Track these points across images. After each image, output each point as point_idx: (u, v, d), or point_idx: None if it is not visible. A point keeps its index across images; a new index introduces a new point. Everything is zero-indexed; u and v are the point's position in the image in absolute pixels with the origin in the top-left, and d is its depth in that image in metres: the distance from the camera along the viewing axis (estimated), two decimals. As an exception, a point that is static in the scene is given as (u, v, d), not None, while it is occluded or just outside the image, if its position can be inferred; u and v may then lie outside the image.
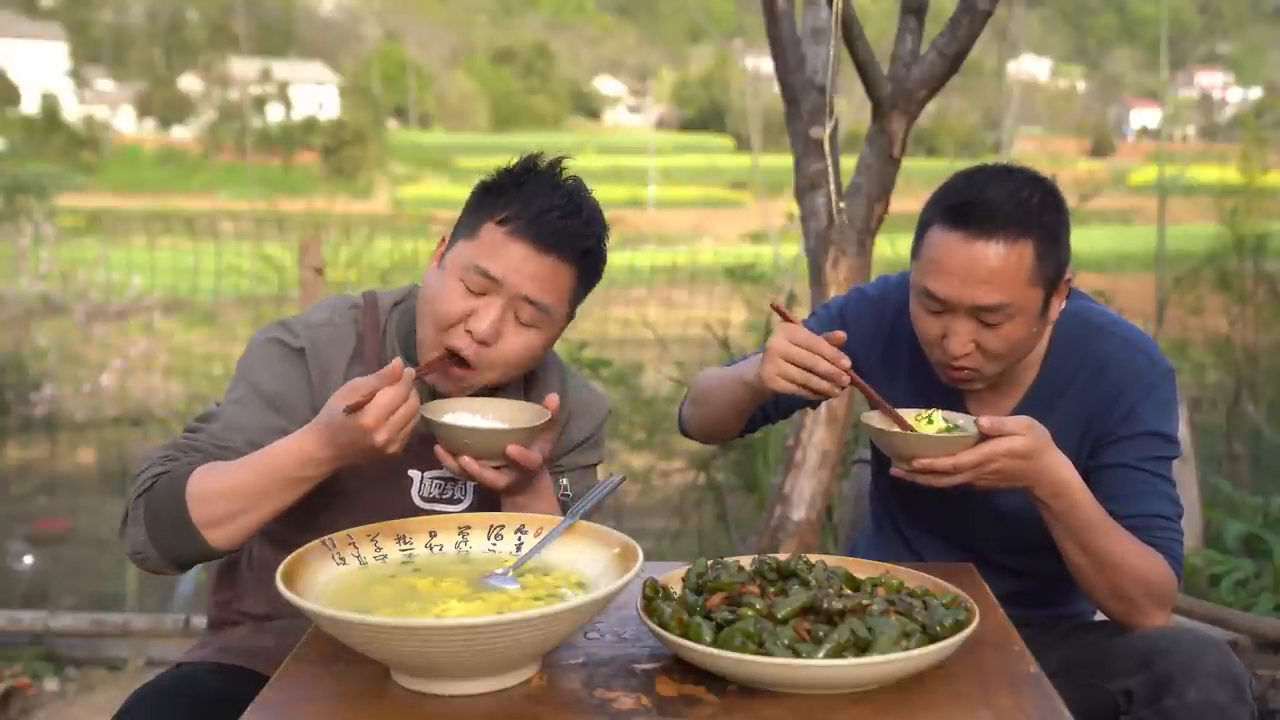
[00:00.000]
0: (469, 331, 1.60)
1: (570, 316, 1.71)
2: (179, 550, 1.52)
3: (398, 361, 1.46)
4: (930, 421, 1.64)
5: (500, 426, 1.58)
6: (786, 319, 1.66)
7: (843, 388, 1.63)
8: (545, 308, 1.62)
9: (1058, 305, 1.71)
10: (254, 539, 1.79)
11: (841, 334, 1.64)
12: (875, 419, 1.65)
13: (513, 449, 1.54)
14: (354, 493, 1.67)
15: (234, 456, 1.56)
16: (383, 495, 1.68)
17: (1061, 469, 1.57)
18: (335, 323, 1.70)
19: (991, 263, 1.61)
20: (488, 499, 1.71)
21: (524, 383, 1.78)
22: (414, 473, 1.70)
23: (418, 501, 1.71)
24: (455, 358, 1.62)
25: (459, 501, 1.73)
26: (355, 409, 1.42)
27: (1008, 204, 1.62)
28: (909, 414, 1.67)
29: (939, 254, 1.64)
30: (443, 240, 1.70)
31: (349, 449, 1.47)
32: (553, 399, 1.60)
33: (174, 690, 1.55)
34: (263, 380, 1.65)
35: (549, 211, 1.59)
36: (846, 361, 1.61)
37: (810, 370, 1.61)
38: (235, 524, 1.51)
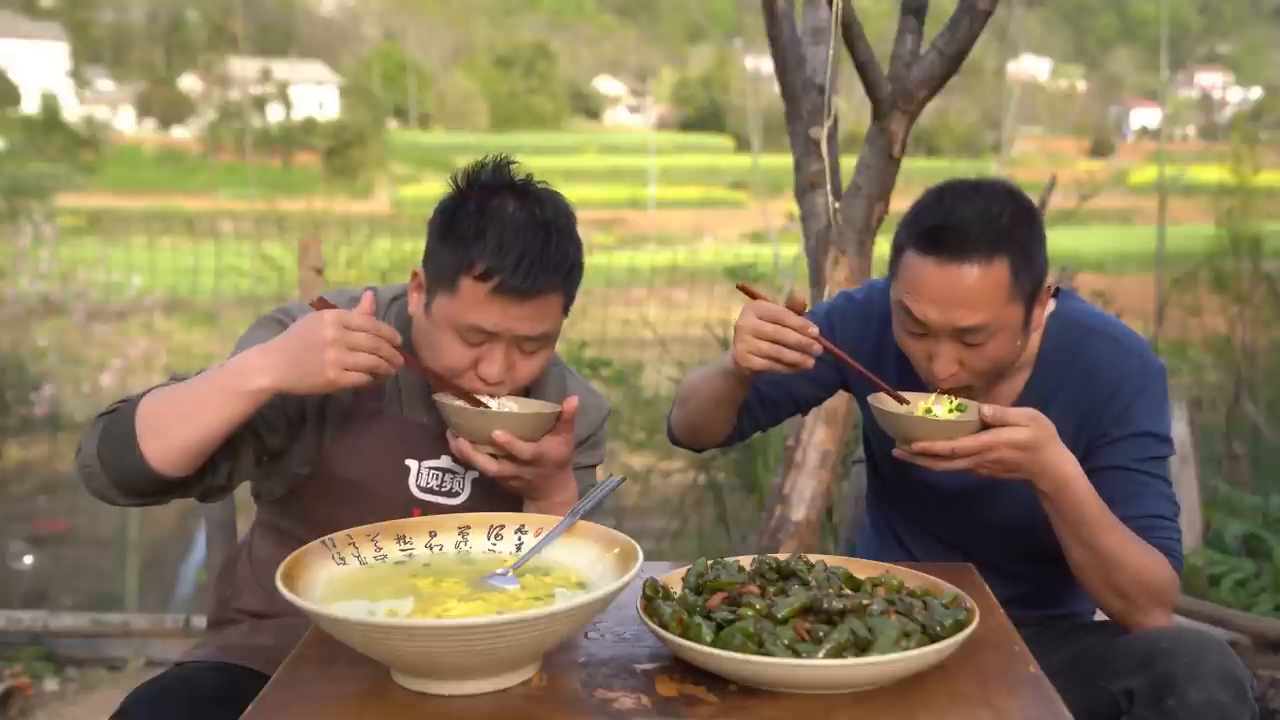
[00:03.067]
0: (481, 378, 1.61)
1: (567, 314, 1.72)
2: (120, 463, 1.49)
3: (369, 297, 1.53)
4: (953, 409, 1.64)
5: (524, 412, 1.59)
6: (753, 296, 1.65)
7: (816, 356, 1.62)
8: (547, 336, 1.63)
9: (1040, 314, 1.71)
10: (253, 534, 1.80)
11: (801, 298, 1.63)
12: (881, 400, 1.65)
13: (499, 434, 1.54)
14: (351, 482, 1.68)
15: None
16: (380, 485, 1.68)
17: (1065, 464, 1.57)
18: None
19: (969, 284, 1.60)
20: (484, 494, 1.71)
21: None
22: (411, 462, 1.70)
23: (415, 492, 1.71)
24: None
25: (456, 495, 1.73)
26: (321, 306, 1.48)
27: (978, 224, 1.61)
28: (920, 397, 1.67)
29: (916, 280, 1.64)
30: (415, 275, 1.66)
31: (292, 353, 1.45)
32: (571, 401, 1.60)
33: (174, 690, 1.55)
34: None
35: (525, 255, 1.55)
36: (814, 329, 1.60)
37: (779, 342, 1.60)
38: (171, 435, 1.48)
